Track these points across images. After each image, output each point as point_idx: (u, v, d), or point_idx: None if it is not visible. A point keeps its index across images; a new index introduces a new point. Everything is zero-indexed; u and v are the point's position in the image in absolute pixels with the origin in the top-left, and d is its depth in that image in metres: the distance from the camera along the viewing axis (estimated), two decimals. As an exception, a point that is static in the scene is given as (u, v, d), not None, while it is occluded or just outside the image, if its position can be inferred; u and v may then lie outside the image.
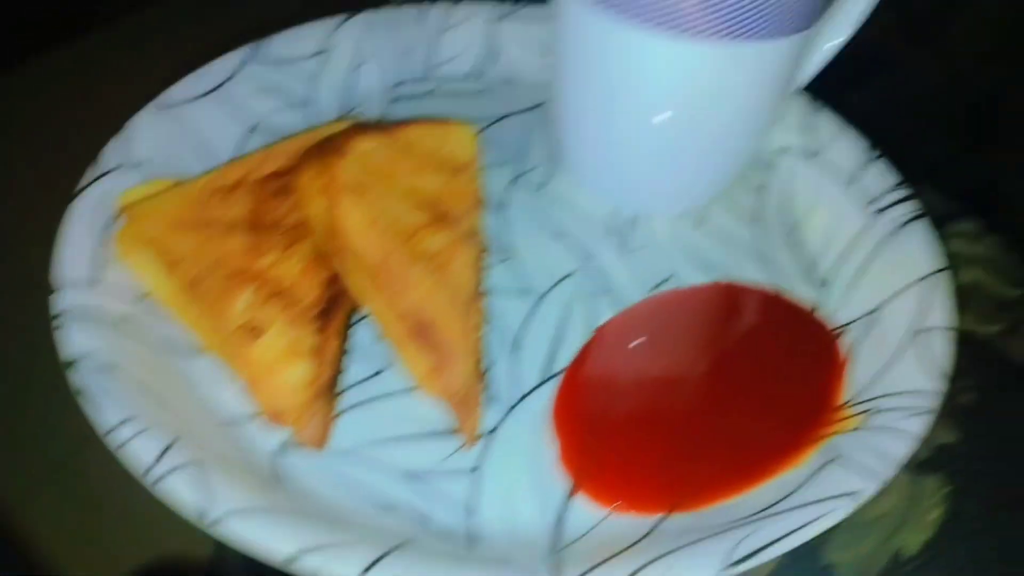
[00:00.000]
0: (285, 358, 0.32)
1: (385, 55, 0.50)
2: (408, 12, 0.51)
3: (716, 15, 0.34)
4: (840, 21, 0.42)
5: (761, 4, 0.34)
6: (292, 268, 0.35)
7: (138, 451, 0.28)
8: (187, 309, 0.35)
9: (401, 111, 0.48)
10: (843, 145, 0.45)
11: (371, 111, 0.48)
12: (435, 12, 0.51)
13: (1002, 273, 0.46)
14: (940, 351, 0.35)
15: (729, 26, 0.34)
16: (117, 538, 0.36)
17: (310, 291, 0.34)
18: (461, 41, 0.51)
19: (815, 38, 0.41)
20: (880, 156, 0.44)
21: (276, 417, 0.32)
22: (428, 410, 0.34)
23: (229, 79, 0.45)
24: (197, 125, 0.43)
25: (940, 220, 0.48)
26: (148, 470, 0.28)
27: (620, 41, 0.36)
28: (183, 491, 0.28)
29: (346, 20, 0.49)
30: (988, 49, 0.76)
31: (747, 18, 0.34)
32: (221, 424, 0.33)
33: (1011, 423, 0.38)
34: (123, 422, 0.29)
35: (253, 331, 0.33)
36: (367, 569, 0.26)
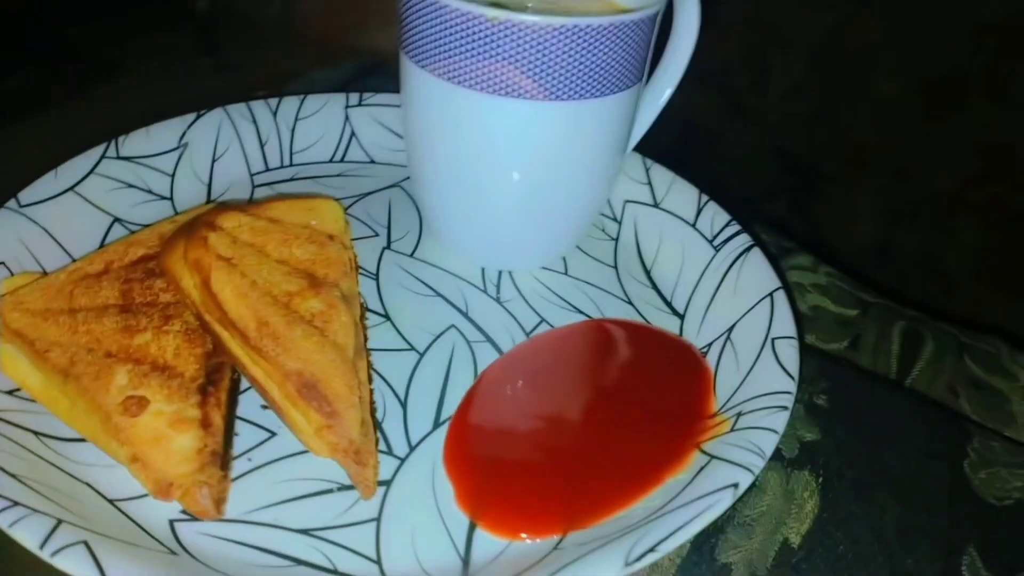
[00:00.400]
0: (169, 430, 0.32)
1: (244, 146, 0.51)
2: (261, 105, 0.52)
3: (548, 81, 0.37)
4: (662, 79, 0.47)
5: (586, 69, 0.38)
6: (169, 344, 0.35)
7: (23, 535, 0.27)
8: (59, 399, 0.34)
9: (266, 196, 0.49)
10: (678, 193, 0.49)
11: (235, 199, 0.49)
12: (288, 104, 0.53)
13: (840, 296, 0.51)
14: (789, 356, 0.38)
15: (560, 89, 0.38)
16: None
17: (188, 365, 0.34)
18: (317, 129, 0.53)
19: (644, 95, 0.46)
20: (710, 200, 0.48)
21: (164, 491, 0.31)
22: (323, 468, 0.34)
23: (84, 178, 0.45)
24: (55, 223, 0.42)
25: (778, 255, 0.53)
26: (40, 550, 0.27)
27: (464, 106, 0.39)
28: (73, 569, 0.27)
29: (199, 117, 0.50)
30: (801, 111, 0.85)
31: (575, 81, 0.38)
32: (114, 502, 0.32)
33: (865, 418, 0.42)
34: (3, 510, 0.28)
35: (135, 406, 0.32)
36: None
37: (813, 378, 0.43)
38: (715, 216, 0.47)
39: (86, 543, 0.28)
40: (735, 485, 0.32)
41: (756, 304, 0.42)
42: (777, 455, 0.38)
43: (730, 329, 0.42)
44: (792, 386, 0.37)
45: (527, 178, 0.42)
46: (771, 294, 0.42)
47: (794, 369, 0.38)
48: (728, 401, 0.38)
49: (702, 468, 0.34)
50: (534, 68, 0.37)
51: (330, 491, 0.34)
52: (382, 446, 0.36)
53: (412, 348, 0.41)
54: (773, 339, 0.39)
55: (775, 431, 0.34)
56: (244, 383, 0.38)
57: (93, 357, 0.34)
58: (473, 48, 0.37)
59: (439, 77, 0.39)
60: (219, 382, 0.35)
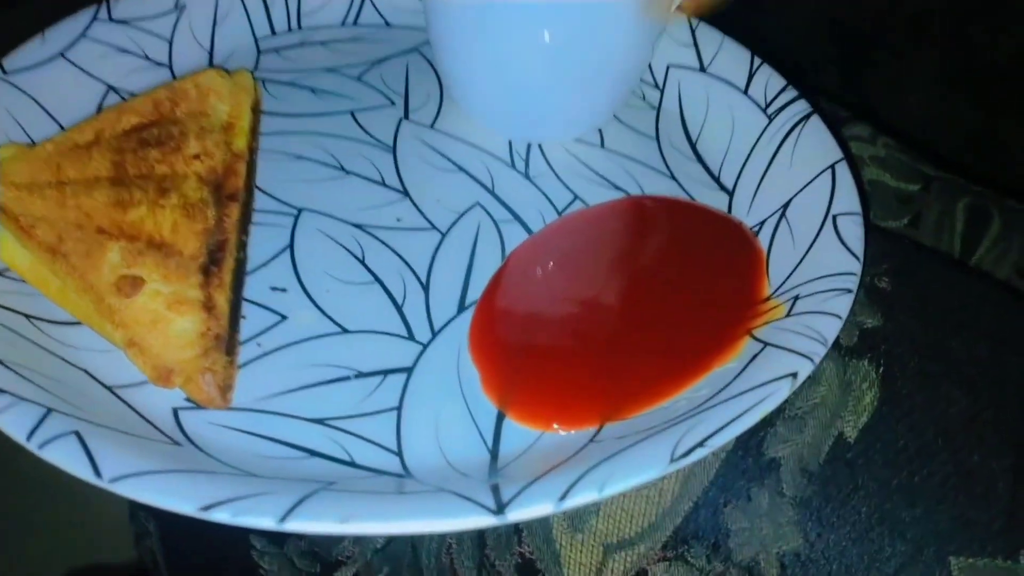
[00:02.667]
0: (168, 312, 0.29)
1: (248, 8, 0.47)
2: (267, -39, 0.47)
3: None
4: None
5: None
6: (166, 219, 0.32)
7: (9, 425, 0.25)
8: (49, 279, 0.31)
9: (273, 63, 0.45)
10: (728, 56, 0.44)
11: (240, 66, 0.45)
12: (297, -42, 0.48)
13: (900, 170, 0.47)
14: (853, 234, 0.34)
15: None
16: (43, 547, 0.33)
17: (188, 242, 0.31)
18: (327, -13, 0.48)
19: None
20: (764, 63, 0.43)
21: (164, 378, 0.28)
22: (340, 353, 0.32)
23: (74, 43, 0.41)
24: (44, 91, 0.39)
25: (833, 125, 0.48)
26: (27, 441, 0.25)
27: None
28: (63, 462, 0.24)
29: (198, -27, 0.46)
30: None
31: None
32: (112, 389, 0.30)
33: (930, 302, 0.38)
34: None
35: (129, 286, 0.29)
36: (284, 518, 0.24)
37: (874, 258, 0.39)
38: (769, 80, 0.42)
39: (77, 433, 0.25)
40: (794, 375, 0.29)
41: (815, 178, 0.38)
42: (834, 343, 0.34)
43: (785, 205, 0.38)
44: (857, 267, 0.33)
45: (558, 36, 0.37)
46: (832, 166, 0.38)
47: (859, 248, 0.34)
48: (783, 284, 0.34)
49: (755, 356, 0.31)
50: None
51: (347, 378, 0.31)
52: (402, 331, 0.33)
53: (433, 227, 0.37)
54: (835, 215, 0.35)
55: (838, 316, 0.31)
56: (252, 262, 0.35)
57: (83, 233, 0.31)
58: None
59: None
60: (222, 261, 0.32)
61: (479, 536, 0.34)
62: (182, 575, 0.45)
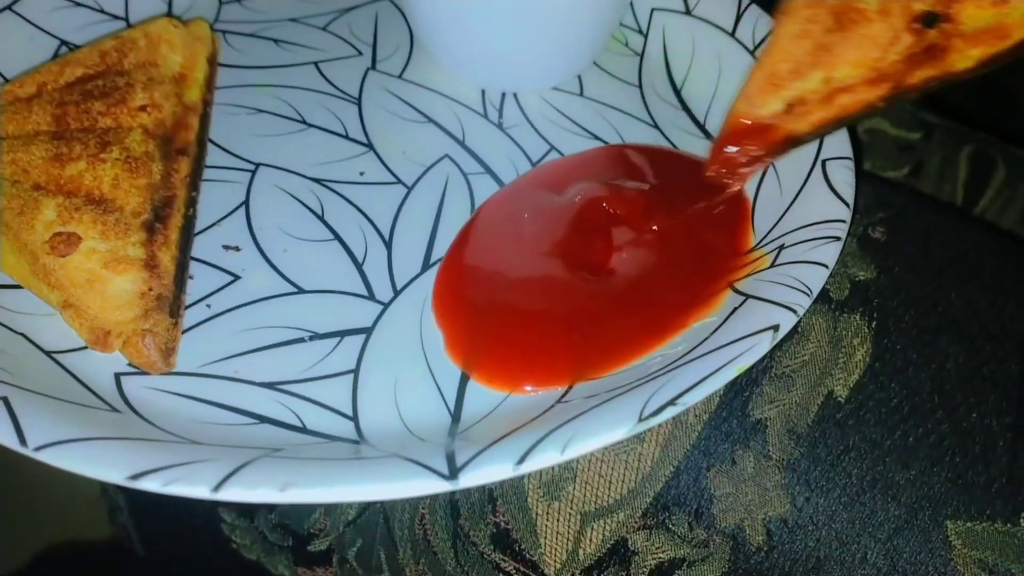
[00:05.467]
0: (104, 271, 0.27)
1: (208, -45, 0.44)
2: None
3: None
4: None
5: None
6: (106, 174, 0.30)
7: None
8: (-16, 237, 0.29)
9: (235, 14, 0.43)
10: (715, -4, 0.42)
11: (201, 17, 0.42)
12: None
13: (900, 118, 0.44)
14: (842, 179, 0.32)
15: None
16: (17, 525, 0.32)
17: (130, 198, 0.29)
18: (293, -68, 0.46)
19: None
20: (752, 2, 0.41)
21: (101, 341, 0.27)
22: (294, 314, 0.30)
23: (21, -7, 0.39)
24: (-13, 46, 0.37)
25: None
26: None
27: None
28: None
29: (155, -82, 0.43)
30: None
31: None
32: (51, 354, 0.28)
33: (927, 253, 0.36)
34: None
35: (63, 244, 0.27)
36: (218, 487, 0.22)
37: (868, 208, 0.37)
38: (758, 21, 0.40)
39: (5, 399, 0.24)
40: (775, 327, 0.27)
41: (804, 122, 0.35)
42: (824, 297, 0.32)
43: (772, 152, 0.35)
44: (846, 213, 0.31)
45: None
46: (822, 110, 0.35)
47: (848, 194, 0.32)
48: (768, 234, 0.32)
49: (735, 310, 0.28)
50: None
51: (301, 340, 0.29)
52: (362, 290, 0.31)
53: (399, 181, 0.35)
54: (824, 160, 0.33)
55: (824, 265, 0.29)
56: (202, 221, 0.33)
57: (18, 190, 0.29)
58: None
59: None
60: (168, 218, 0.30)
61: (452, 506, 0.33)
62: (156, 550, 0.44)
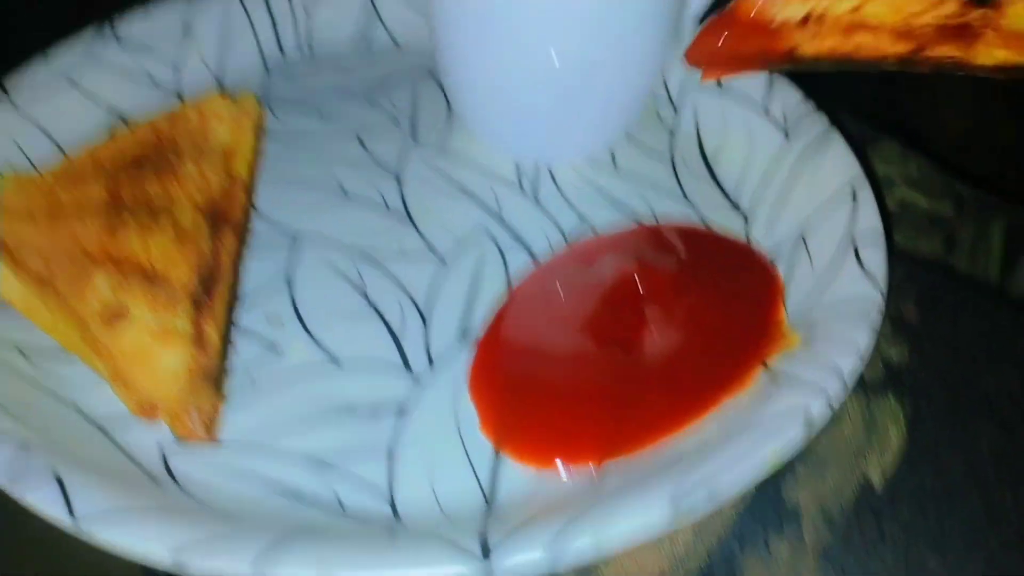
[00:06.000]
0: (154, 344, 0.28)
1: (256, 30, 0.46)
2: (276, -19, 0.47)
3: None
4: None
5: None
6: (157, 246, 0.31)
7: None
8: (39, 307, 0.30)
9: (281, 87, 0.44)
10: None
11: (248, 88, 0.44)
12: (305, -22, 0.47)
13: (932, 189, 0.45)
14: (875, 259, 0.32)
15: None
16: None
17: (178, 270, 0.30)
18: (336, 10, 0.47)
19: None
20: (782, 78, 0.41)
21: (148, 412, 0.27)
22: (332, 387, 0.31)
23: (78, 65, 0.41)
24: (47, 116, 0.38)
25: (860, 143, 0.46)
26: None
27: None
28: (37, 501, 0.24)
29: (206, -2, 0.45)
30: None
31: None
32: (95, 425, 0.29)
33: (960, 334, 0.36)
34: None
35: (115, 316, 0.28)
36: (259, 559, 0.22)
37: (901, 286, 0.37)
38: (788, 96, 0.41)
39: (55, 471, 0.24)
40: (809, 414, 0.27)
41: (834, 197, 0.36)
42: (857, 379, 0.33)
43: (804, 228, 0.36)
44: (878, 295, 0.31)
45: (566, 55, 0.36)
46: (853, 186, 0.36)
47: (881, 275, 0.32)
48: (801, 313, 0.32)
49: (767, 390, 0.29)
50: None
51: (339, 415, 0.30)
52: (399, 365, 0.32)
53: (436, 254, 0.36)
54: (855, 239, 0.34)
55: (858, 349, 0.29)
56: (245, 290, 0.34)
57: (72, 261, 0.30)
58: None
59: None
60: (214, 291, 0.31)
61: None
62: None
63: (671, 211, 0.39)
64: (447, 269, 0.35)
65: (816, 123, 0.39)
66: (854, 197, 0.35)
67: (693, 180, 0.40)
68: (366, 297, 0.34)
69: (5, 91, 0.38)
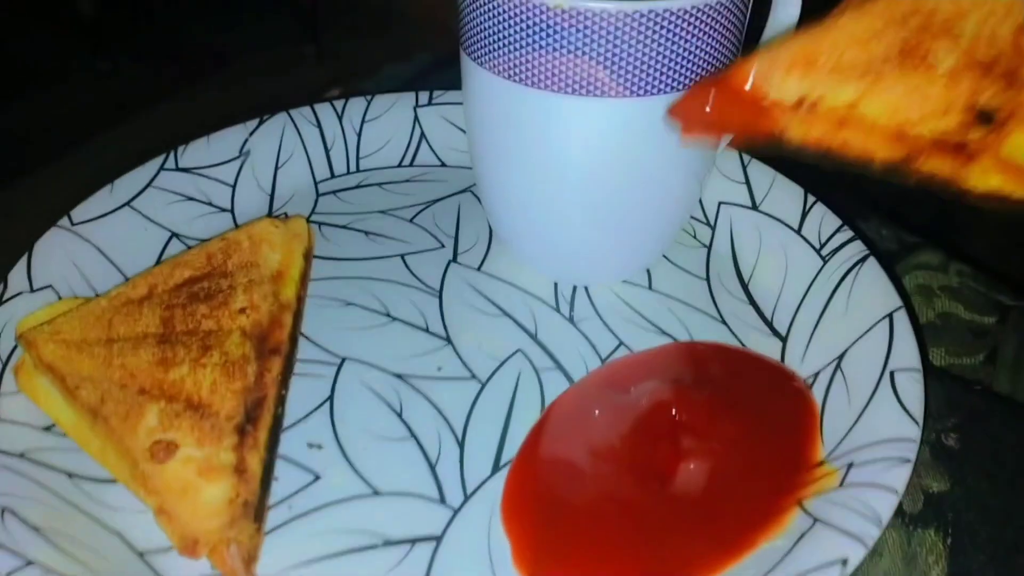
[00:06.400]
0: (199, 480, 0.29)
1: (308, 152, 0.48)
2: (327, 108, 0.50)
3: (622, 75, 0.33)
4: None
5: (668, 59, 0.33)
6: (206, 378, 0.32)
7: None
8: (91, 436, 0.32)
9: (331, 206, 0.46)
10: (781, 193, 0.43)
11: (299, 210, 0.46)
12: (354, 105, 0.50)
13: (973, 301, 0.44)
14: (912, 394, 0.32)
15: (638, 84, 0.33)
16: None
17: (225, 402, 0.31)
18: (385, 131, 0.50)
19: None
20: (818, 200, 0.42)
21: (190, 548, 0.28)
22: (367, 518, 0.31)
23: (141, 192, 0.43)
24: (109, 242, 0.41)
25: (899, 254, 0.47)
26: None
27: (529, 106, 0.35)
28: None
29: (262, 123, 0.48)
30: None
31: (655, 74, 0.33)
32: (143, 555, 0.30)
33: (999, 461, 0.35)
34: (18, 569, 0.26)
35: (163, 452, 0.29)
36: None
37: (941, 412, 0.37)
38: (824, 219, 0.41)
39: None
40: (844, 561, 0.26)
41: (872, 327, 0.36)
42: (897, 510, 0.32)
43: (840, 356, 0.36)
44: (916, 432, 0.31)
45: (604, 185, 0.37)
46: (890, 315, 0.36)
47: (918, 410, 0.32)
48: (837, 447, 0.32)
49: (803, 534, 0.29)
50: (606, 61, 0.32)
51: (374, 546, 0.30)
52: (434, 494, 0.32)
53: (473, 377, 0.37)
54: (892, 371, 0.34)
55: (895, 491, 0.29)
56: (291, 416, 0.35)
57: (124, 394, 0.31)
58: (536, 41, 0.33)
59: (500, 75, 0.35)
60: (259, 419, 0.32)
61: None
62: None
63: (707, 332, 0.39)
64: (484, 392, 0.36)
65: (852, 248, 0.39)
66: (891, 327, 0.35)
67: (729, 300, 0.41)
68: (404, 422, 0.35)
69: (71, 220, 0.40)
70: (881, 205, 0.56)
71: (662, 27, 0.32)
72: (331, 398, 0.36)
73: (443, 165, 0.50)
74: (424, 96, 0.51)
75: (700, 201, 0.45)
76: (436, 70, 0.60)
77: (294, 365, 0.37)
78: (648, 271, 0.42)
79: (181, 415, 0.31)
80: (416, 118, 0.50)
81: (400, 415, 0.35)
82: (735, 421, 0.34)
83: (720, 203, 0.45)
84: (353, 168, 0.49)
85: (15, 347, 0.34)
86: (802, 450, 0.33)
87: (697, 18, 0.32)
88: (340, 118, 0.49)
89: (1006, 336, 0.43)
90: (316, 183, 0.48)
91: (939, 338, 0.42)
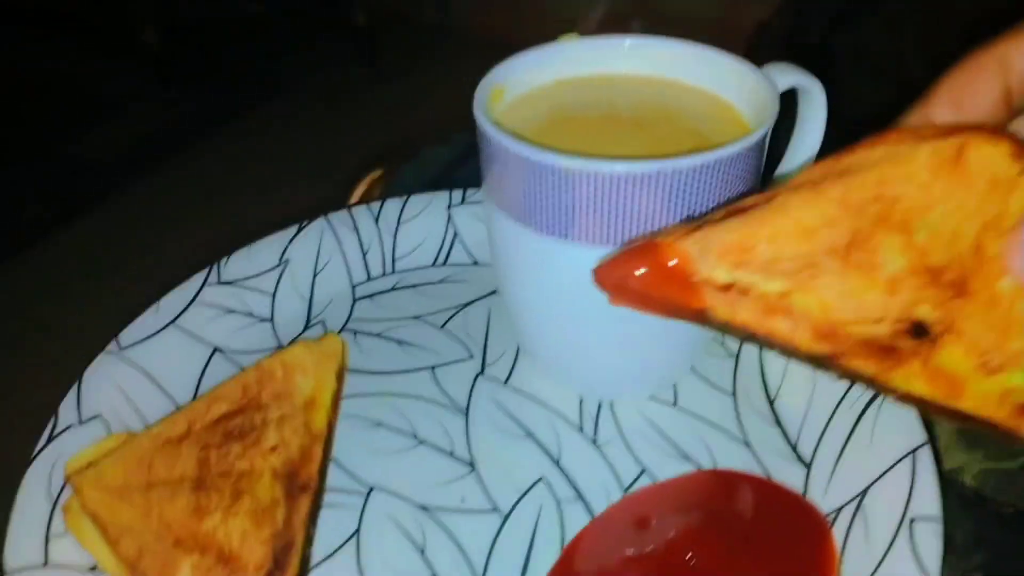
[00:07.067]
0: (228, 638, 0.31)
1: (346, 256, 0.50)
2: (363, 210, 0.51)
3: (637, 230, 0.33)
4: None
5: (681, 211, 0.33)
6: (236, 528, 0.34)
7: None
8: (133, 583, 0.34)
9: (366, 311, 0.48)
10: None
11: (336, 316, 0.48)
12: (390, 207, 0.51)
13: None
14: (929, 547, 0.32)
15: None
16: None
17: (254, 553, 0.33)
18: (419, 232, 0.51)
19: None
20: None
21: None
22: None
23: (186, 308, 0.45)
24: (155, 363, 0.43)
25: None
26: None
27: (545, 254, 0.35)
28: None
29: (301, 229, 0.49)
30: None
31: (663, 228, 0.33)
32: None
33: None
34: None
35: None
36: None
37: (967, 546, 0.36)
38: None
39: None
40: None
41: (895, 464, 0.35)
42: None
43: (863, 493, 0.36)
44: (932, 597, 0.31)
45: (621, 324, 0.37)
46: (913, 452, 0.35)
47: (935, 569, 0.31)
48: (852, 598, 0.32)
49: None
50: (615, 216, 0.33)
51: None
52: (452, 642, 0.33)
53: (495, 509, 0.38)
54: (912, 519, 0.33)
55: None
56: (318, 554, 0.36)
57: (161, 546, 0.33)
58: (546, 195, 0.34)
59: (516, 220, 0.36)
60: (287, 566, 0.33)
61: None
62: None
63: (731, 458, 0.39)
64: (505, 526, 0.37)
65: (877, 372, 0.39)
66: (914, 466, 0.35)
67: (756, 420, 0.41)
68: (427, 561, 0.36)
69: (119, 344, 0.42)
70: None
71: (676, 184, 0.32)
72: (358, 532, 0.37)
73: (476, 263, 0.51)
74: (457, 195, 0.52)
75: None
76: (474, 153, 0.61)
77: (323, 497, 0.38)
78: (675, 385, 0.43)
79: (213, 569, 0.32)
80: (450, 218, 0.51)
81: (423, 553, 0.36)
82: (753, 567, 0.34)
83: (749, 311, 0.45)
84: (389, 270, 0.50)
85: (64, 485, 0.37)
86: (819, 601, 0.33)
87: (708, 172, 0.32)
88: (377, 220, 0.51)
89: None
90: (353, 287, 0.49)
91: (978, 441, 0.41)
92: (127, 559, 0.33)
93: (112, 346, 0.42)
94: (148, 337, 0.44)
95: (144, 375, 0.42)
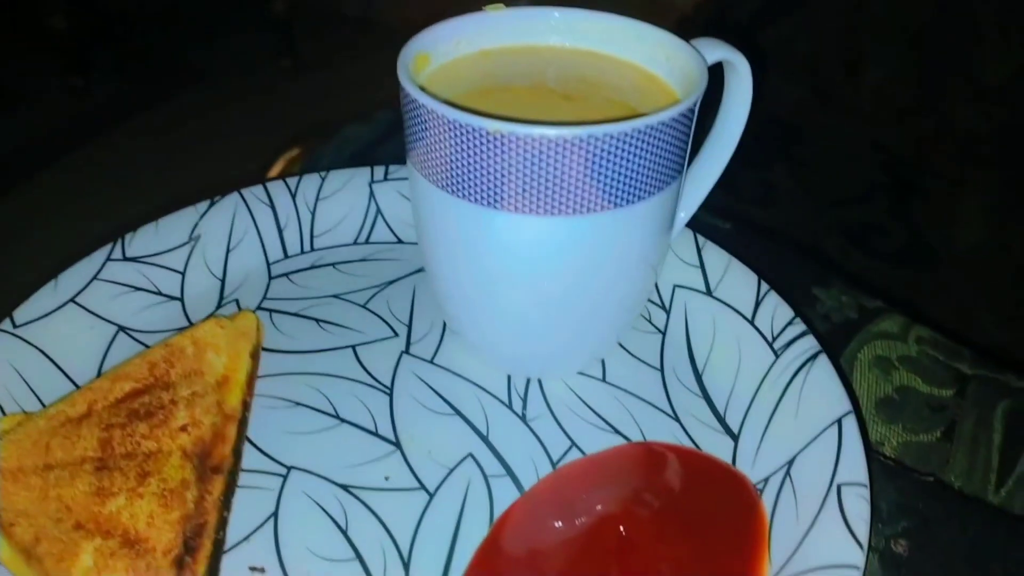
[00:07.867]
0: (134, 623, 0.29)
1: (261, 232, 0.48)
2: (280, 185, 0.49)
3: (563, 196, 0.32)
4: (710, 160, 0.41)
5: (609, 179, 0.32)
6: (142, 510, 0.31)
7: None
8: (27, 573, 0.31)
9: (283, 290, 0.46)
10: (735, 279, 0.43)
11: (251, 295, 0.45)
12: (308, 182, 0.49)
13: (932, 372, 0.44)
14: (857, 512, 0.32)
15: (579, 203, 0.33)
16: None
17: (162, 535, 0.31)
18: (339, 209, 0.49)
19: (689, 175, 0.40)
20: (771, 289, 0.42)
21: None
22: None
23: (86, 286, 0.42)
24: (53, 342, 0.40)
25: (859, 322, 0.46)
26: None
27: (470, 221, 0.34)
28: None
29: (212, 205, 0.47)
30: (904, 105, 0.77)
31: (595, 193, 0.32)
32: None
33: (951, 569, 0.35)
34: None
35: (96, 597, 0.29)
36: None
37: (891, 515, 0.37)
38: (776, 310, 0.41)
39: None
40: None
41: (821, 433, 0.36)
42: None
43: (790, 462, 0.36)
44: (860, 558, 0.31)
45: (551, 294, 0.37)
46: (839, 420, 0.36)
47: (863, 532, 0.31)
48: (783, 569, 0.32)
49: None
50: (547, 182, 0.32)
51: None
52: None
53: (421, 487, 0.36)
54: (840, 485, 0.33)
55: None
56: (234, 535, 0.34)
57: (60, 530, 0.31)
58: (475, 162, 0.32)
59: (442, 189, 0.34)
60: (198, 550, 0.32)
61: None
62: None
63: (659, 430, 0.39)
64: (432, 504, 0.36)
65: (805, 343, 0.39)
66: (840, 434, 0.35)
67: (683, 393, 0.41)
68: (350, 541, 0.34)
69: (13, 323, 0.39)
70: (843, 269, 0.57)
71: (603, 150, 0.31)
72: (276, 514, 0.35)
73: (399, 242, 0.49)
74: (380, 171, 0.50)
75: (656, 286, 0.45)
76: (397, 132, 0.59)
77: (238, 479, 0.36)
78: (603, 360, 0.42)
79: (116, 553, 0.30)
80: (371, 194, 0.50)
81: (345, 532, 0.34)
82: (684, 538, 0.34)
83: (675, 286, 0.45)
84: (307, 248, 0.48)
85: (-50, 472, 0.34)
86: (750, 568, 0.33)
87: (639, 138, 0.32)
88: (294, 196, 0.49)
89: (964, 410, 0.43)
90: (269, 265, 0.47)
91: (897, 414, 0.42)
92: (21, 544, 0.30)
93: (6, 324, 0.39)
94: (46, 315, 0.41)
95: (41, 354, 0.39)
